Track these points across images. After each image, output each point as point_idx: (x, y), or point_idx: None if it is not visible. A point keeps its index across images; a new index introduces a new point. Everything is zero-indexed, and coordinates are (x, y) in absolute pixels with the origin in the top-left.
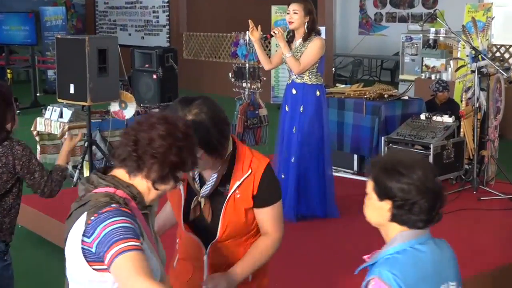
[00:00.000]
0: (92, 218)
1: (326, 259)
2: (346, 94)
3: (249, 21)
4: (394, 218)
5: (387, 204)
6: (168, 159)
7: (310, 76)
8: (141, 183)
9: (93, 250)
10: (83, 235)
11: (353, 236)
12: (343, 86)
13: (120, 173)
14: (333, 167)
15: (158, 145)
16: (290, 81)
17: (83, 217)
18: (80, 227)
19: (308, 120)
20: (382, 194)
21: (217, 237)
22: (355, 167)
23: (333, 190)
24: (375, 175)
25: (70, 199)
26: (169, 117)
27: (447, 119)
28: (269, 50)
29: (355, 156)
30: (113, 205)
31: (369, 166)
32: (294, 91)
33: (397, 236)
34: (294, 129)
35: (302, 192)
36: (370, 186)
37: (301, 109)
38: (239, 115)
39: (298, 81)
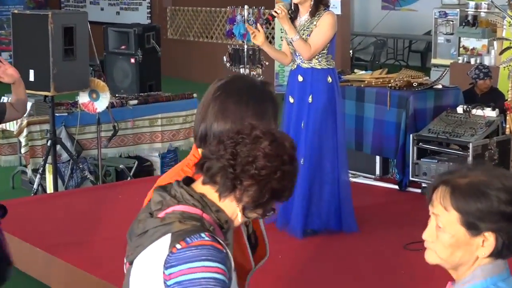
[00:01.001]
0: (179, 246)
1: (341, 284)
2: (366, 82)
3: (247, 26)
4: (493, 254)
5: (485, 238)
6: (269, 185)
7: (319, 59)
8: (229, 205)
9: (169, 284)
10: (165, 266)
11: (375, 255)
12: (362, 72)
13: (208, 191)
14: (350, 172)
15: (262, 166)
16: (295, 66)
17: (166, 240)
18: (161, 252)
19: (319, 112)
20: (478, 226)
21: (266, 256)
22: (378, 171)
23: (350, 199)
24: (460, 202)
25: (30, 211)
26: (277, 133)
27: (490, 112)
28: (273, 37)
29: (378, 158)
30: (205, 238)
31: (426, 190)
32: (300, 78)
33: (477, 270)
34: (302, 124)
35: (312, 202)
36: (446, 218)
37: (310, 99)
38: None
39: (305, 65)
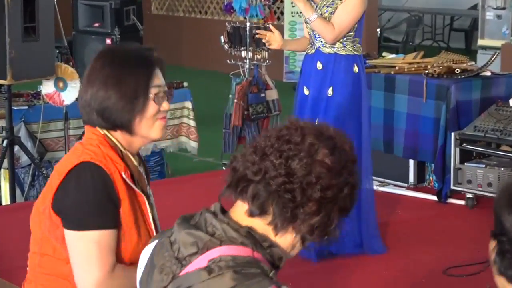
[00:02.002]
0: None
1: None
2: (397, 68)
3: (257, 32)
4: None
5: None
6: (337, 205)
7: (344, 44)
8: (285, 238)
9: None
10: None
11: (407, 283)
12: (392, 56)
13: (257, 223)
14: (376, 179)
15: (327, 185)
16: (314, 51)
17: None
18: None
19: (340, 108)
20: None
21: None
22: (411, 179)
23: (374, 213)
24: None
25: None
26: (332, 134)
27: None
28: (281, 13)
29: (411, 163)
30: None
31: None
32: (319, 66)
33: None
34: (316, 121)
35: None
36: None
37: (330, 91)
38: (235, 100)
39: (327, 50)
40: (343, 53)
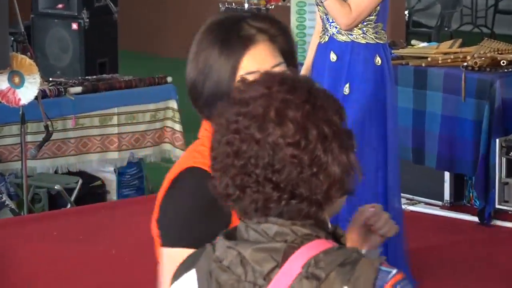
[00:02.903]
0: None
1: None
2: (430, 59)
3: None
4: None
5: None
6: (334, 145)
7: (364, 30)
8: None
9: None
10: None
11: None
12: (423, 44)
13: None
14: (404, 196)
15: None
16: (327, 39)
17: None
18: None
19: (360, 108)
20: None
21: None
22: (447, 196)
23: (402, 236)
24: None
25: None
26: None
27: None
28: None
29: (447, 176)
30: (393, 271)
31: None
32: (333, 57)
33: None
34: None
35: None
36: None
37: (347, 89)
38: None
39: (342, 38)
40: (363, 41)
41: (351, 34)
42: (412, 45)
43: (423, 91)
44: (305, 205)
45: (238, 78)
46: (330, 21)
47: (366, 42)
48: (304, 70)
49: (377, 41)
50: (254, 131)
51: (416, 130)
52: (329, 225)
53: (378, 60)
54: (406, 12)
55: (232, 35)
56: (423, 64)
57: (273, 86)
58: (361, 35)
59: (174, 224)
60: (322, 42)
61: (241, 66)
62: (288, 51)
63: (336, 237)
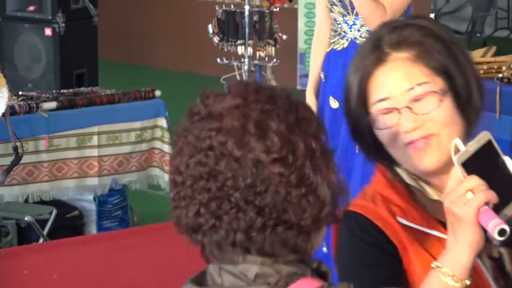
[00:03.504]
0: None
1: None
2: None
3: None
4: None
5: None
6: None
7: None
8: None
9: None
10: None
11: None
12: None
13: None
14: None
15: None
16: (346, 44)
17: None
18: None
19: None
20: None
21: None
22: None
23: None
24: None
25: None
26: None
27: None
28: (295, 5)
29: None
30: None
31: None
32: None
33: None
34: (357, 148)
35: None
36: None
37: None
38: None
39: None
40: None
41: None
42: None
43: None
44: (293, 233)
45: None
46: (350, 23)
47: None
48: (311, 86)
49: None
50: (232, 147)
51: None
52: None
53: None
54: (432, 15)
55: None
56: None
57: (249, 95)
58: None
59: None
60: (338, 49)
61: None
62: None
63: (320, 274)
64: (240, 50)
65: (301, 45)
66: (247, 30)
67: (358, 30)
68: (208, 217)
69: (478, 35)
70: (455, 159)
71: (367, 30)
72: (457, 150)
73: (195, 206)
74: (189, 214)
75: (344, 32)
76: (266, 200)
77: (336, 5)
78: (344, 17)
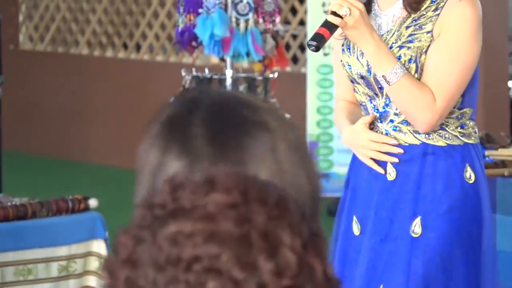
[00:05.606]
0: None
1: None
2: None
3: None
4: None
5: None
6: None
7: (443, 122)
8: None
9: None
10: None
11: None
12: None
13: None
14: None
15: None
16: None
17: None
18: None
19: (435, 259)
20: None
21: None
22: None
23: None
24: None
25: None
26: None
27: None
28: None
29: None
30: None
31: None
32: (391, 172)
33: None
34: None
35: None
36: None
37: (417, 227)
38: None
39: (407, 139)
40: (441, 143)
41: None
42: None
43: None
44: None
45: None
46: (382, 110)
47: (448, 144)
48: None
49: (466, 140)
50: (230, 264)
51: None
52: None
53: (471, 175)
54: (510, 84)
55: None
56: None
57: (249, 191)
58: (438, 132)
59: None
60: None
61: None
62: None
63: None
64: None
65: (311, 129)
66: None
67: (392, 121)
68: None
69: None
70: None
71: (403, 121)
72: None
73: None
74: None
75: (373, 123)
76: None
77: (358, 83)
78: (372, 100)
